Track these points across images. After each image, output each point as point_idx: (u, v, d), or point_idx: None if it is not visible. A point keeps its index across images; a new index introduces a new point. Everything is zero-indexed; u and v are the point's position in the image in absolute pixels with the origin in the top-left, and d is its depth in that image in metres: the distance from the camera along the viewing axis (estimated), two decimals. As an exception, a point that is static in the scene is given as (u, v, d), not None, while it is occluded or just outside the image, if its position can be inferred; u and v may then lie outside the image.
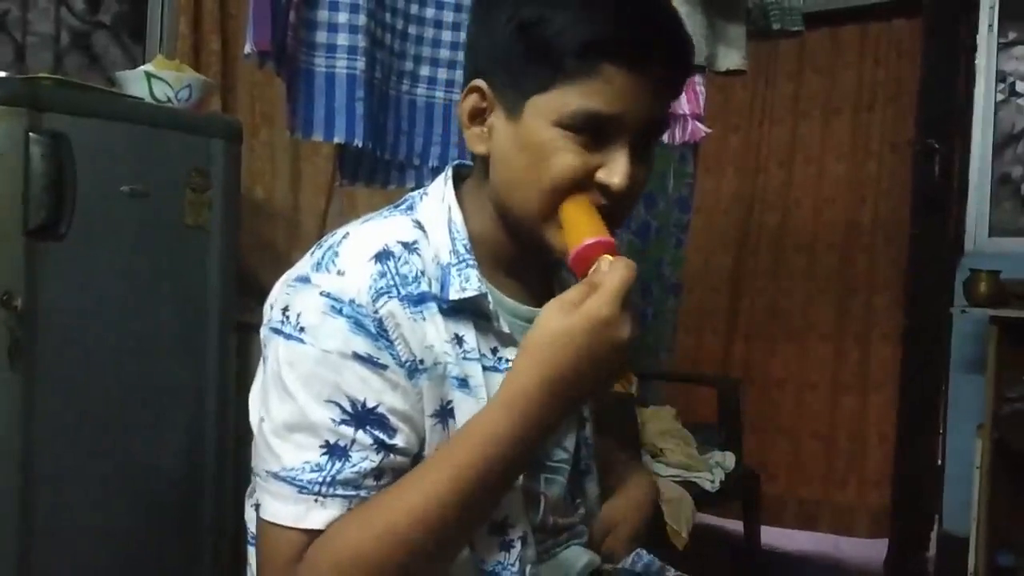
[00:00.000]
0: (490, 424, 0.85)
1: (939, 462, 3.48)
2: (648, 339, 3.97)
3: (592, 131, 0.91)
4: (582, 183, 0.92)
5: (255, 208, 2.85)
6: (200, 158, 2.11)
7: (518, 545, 0.97)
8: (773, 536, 3.85)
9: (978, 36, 3.48)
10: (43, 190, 1.81)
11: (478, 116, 0.97)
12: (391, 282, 0.90)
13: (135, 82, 2.10)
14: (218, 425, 2.16)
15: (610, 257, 0.87)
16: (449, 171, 1.03)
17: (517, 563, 0.97)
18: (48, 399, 1.84)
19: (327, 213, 2.99)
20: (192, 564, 2.14)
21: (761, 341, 4.22)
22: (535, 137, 0.92)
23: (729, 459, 3.11)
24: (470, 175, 1.04)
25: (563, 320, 0.83)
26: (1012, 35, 3.45)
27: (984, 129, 3.48)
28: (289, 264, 0.97)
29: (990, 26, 3.47)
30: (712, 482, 2.93)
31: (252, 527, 1.00)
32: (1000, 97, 3.47)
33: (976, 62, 3.48)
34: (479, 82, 0.96)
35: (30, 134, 1.80)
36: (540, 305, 1.00)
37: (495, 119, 0.96)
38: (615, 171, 0.91)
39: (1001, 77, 3.47)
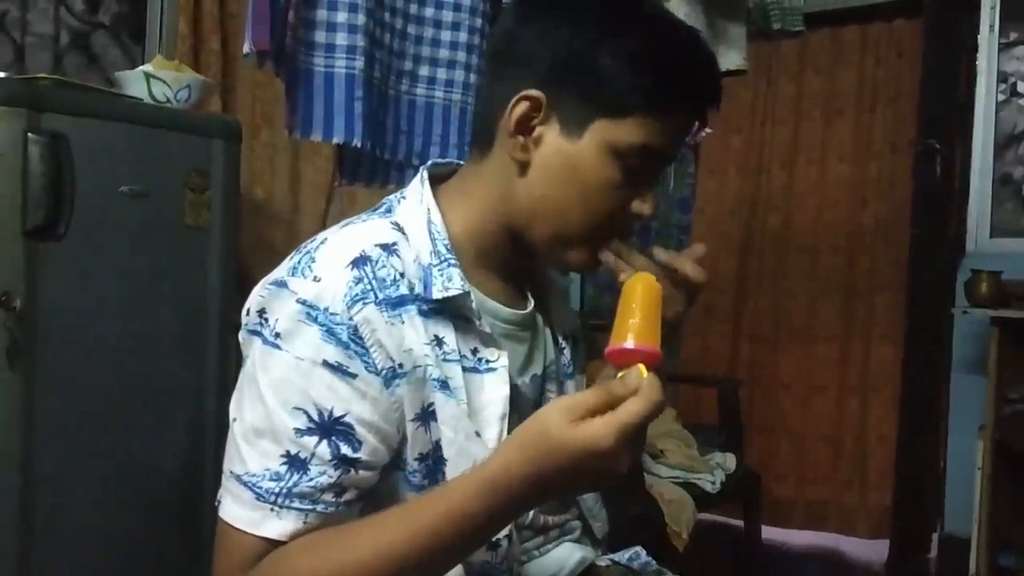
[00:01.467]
0: (462, 498, 0.82)
1: (940, 463, 3.47)
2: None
3: (643, 165, 0.94)
4: (620, 212, 0.96)
5: (255, 208, 2.85)
6: (199, 158, 2.11)
7: (504, 544, 0.97)
8: (776, 536, 3.85)
9: (979, 36, 3.47)
10: (42, 190, 1.81)
11: (525, 124, 0.95)
12: (367, 287, 0.89)
13: (134, 82, 2.09)
14: (218, 425, 2.15)
15: (644, 372, 0.80)
16: (424, 173, 1.02)
17: (504, 561, 0.97)
18: (48, 400, 1.84)
19: (327, 214, 2.98)
20: (192, 564, 2.13)
21: (765, 342, 4.21)
22: (593, 161, 0.93)
23: (730, 460, 3.10)
24: (449, 176, 1.04)
25: (565, 431, 0.78)
26: (1013, 35, 3.45)
27: (985, 129, 3.47)
28: (287, 265, 0.97)
29: (991, 26, 3.47)
30: (713, 483, 2.93)
31: None
32: (1001, 97, 3.47)
33: (977, 62, 3.48)
34: (537, 93, 0.93)
35: (29, 134, 1.79)
36: (517, 305, 1.02)
37: (547, 131, 0.95)
38: (649, 202, 0.96)
39: (1002, 77, 3.47)
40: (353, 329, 0.88)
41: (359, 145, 1.86)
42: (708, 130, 2.28)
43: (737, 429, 3.41)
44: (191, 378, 2.12)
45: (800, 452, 4.10)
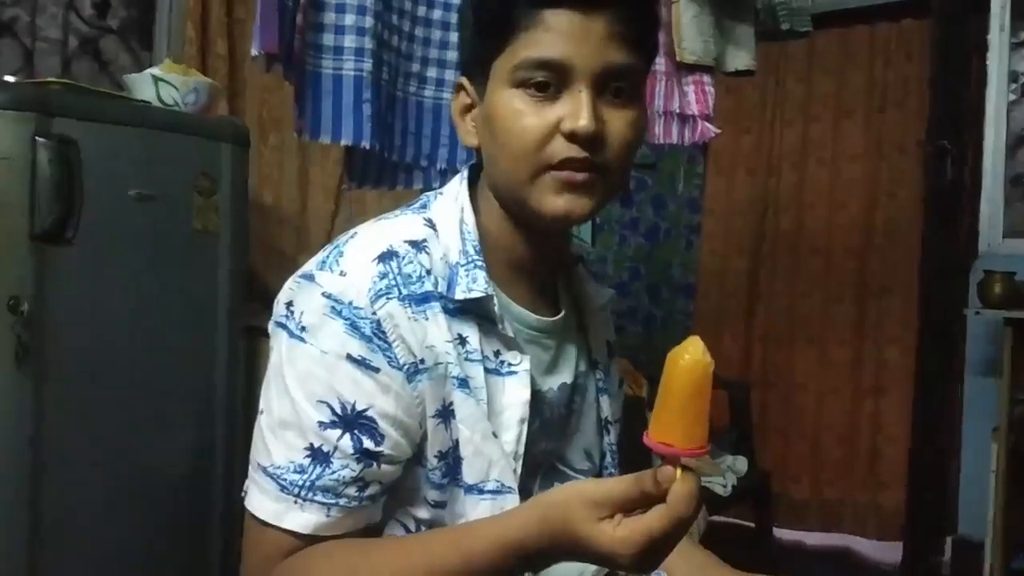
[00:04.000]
0: (479, 546, 0.83)
1: (954, 465, 3.45)
2: (659, 342, 3.96)
3: (546, 84, 0.91)
4: (550, 139, 0.91)
5: (263, 212, 2.85)
6: (208, 162, 2.11)
7: None
8: (789, 536, 3.84)
9: (989, 36, 3.46)
10: (51, 194, 1.81)
11: (467, 113, 1.00)
12: (392, 283, 0.90)
13: (143, 86, 2.10)
14: (227, 428, 2.15)
15: (678, 475, 0.75)
16: (465, 172, 1.02)
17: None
18: (56, 403, 1.84)
19: (336, 217, 2.98)
20: (201, 569, 2.13)
21: (778, 344, 4.19)
22: (498, 106, 0.93)
23: (740, 462, 3.09)
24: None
25: (589, 528, 0.77)
26: (1024, 35, 3.43)
27: (996, 130, 3.46)
28: (297, 268, 0.97)
29: (1001, 26, 3.45)
30: (724, 487, 2.91)
31: None
32: (1012, 97, 3.45)
33: (987, 63, 3.46)
34: (461, 79, 1.00)
35: (38, 138, 1.80)
36: (546, 313, 1.01)
37: (477, 109, 0.98)
38: (575, 115, 0.90)
39: (1013, 77, 3.45)
40: (376, 323, 0.88)
41: (367, 147, 1.85)
42: (716, 130, 2.29)
43: (748, 431, 3.40)
44: (199, 380, 2.12)
45: (814, 453, 4.08)
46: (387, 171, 2.08)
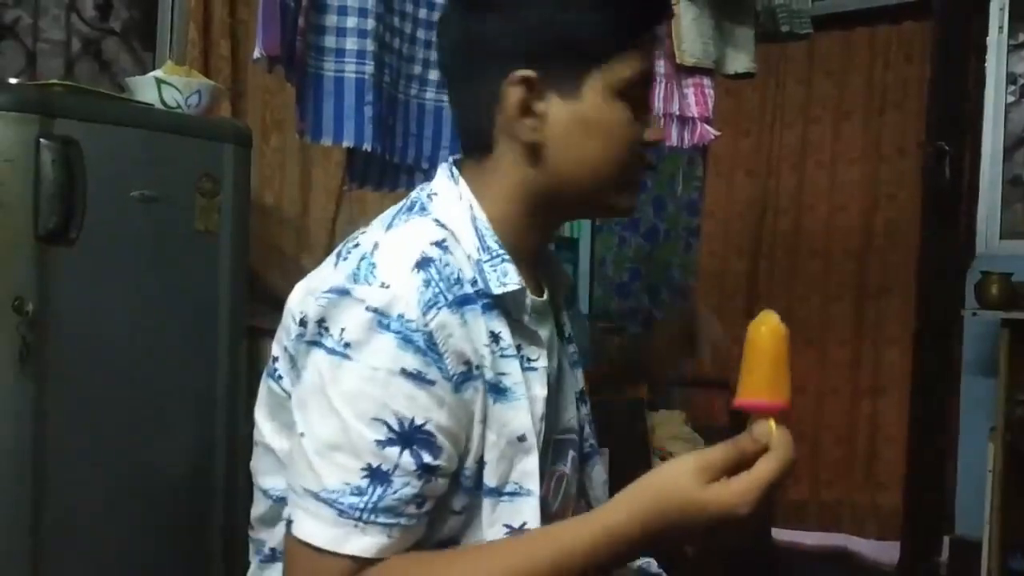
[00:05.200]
0: (573, 541, 0.82)
1: (951, 465, 3.46)
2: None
3: (641, 97, 0.98)
4: (639, 148, 0.98)
5: (265, 213, 2.86)
6: (210, 163, 2.11)
7: None
8: (788, 537, 3.85)
9: (988, 38, 3.47)
10: (54, 196, 1.82)
11: (526, 107, 0.95)
12: (437, 289, 0.88)
13: (145, 88, 2.10)
14: (228, 430, 2.15)
15: (773, 428, 0.82)
16: (451, 169, 1.01)
17: None
18: (59, 404, 1.84)
19: (337, 218, 2.99)
20: (201, 569, 2.14)
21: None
22: (603, 109, 0.95)
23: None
24: (465, 171, 1.02)
25: (703, 493, 0.79)
26: (1022, 37, 3.44)
27: (995, 131, 3.47)
28: (299, 269, 0.96)
29: (1000, 28, 3.46)
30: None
31: (271, 544, 1.00)
32: (1010, 99, 3.46)
33: (986, 64, 3.47)
34: (526, 72, 0.94)
35: (41, 140, 1.80)
36: (537, 294, 1.01)
37: (549, 106, 0.95)
38: (656, 129, 1.02)
39: (1011, 79, 3.46)
40: (428, 336, 0.85)
41: (369, 149, 1.86)
42: (716, 133, 2.30)
43: (747, 432, 3.40)
44: (201, 382, 2.13)
45: (813, 454, 4.09)
46: (388, 173, 2.08)
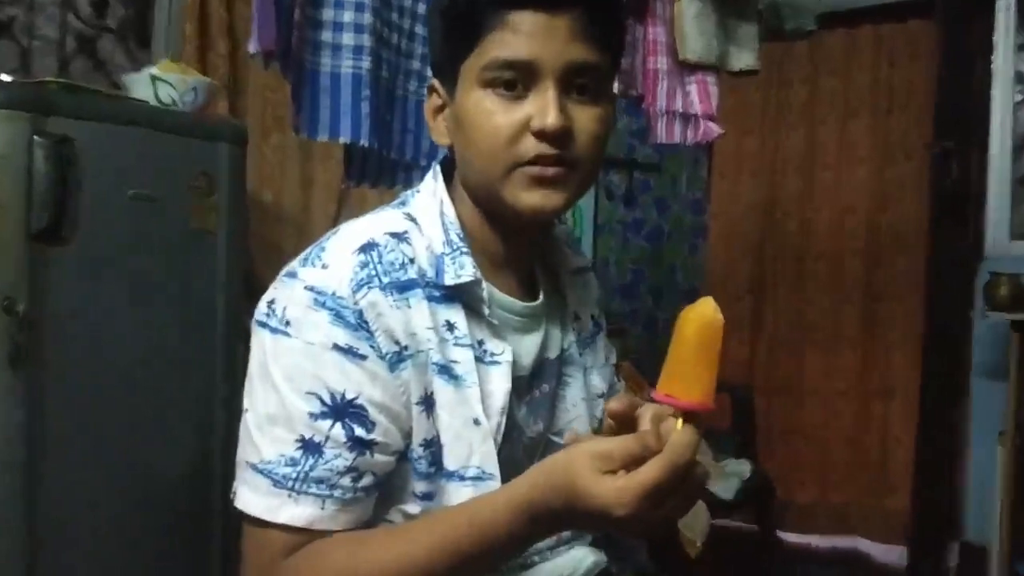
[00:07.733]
0: (486, 512, 0.83)
1: (960, 470, 3.43)
2: (663, 345, 3.93)
3: (513, 83, 0.93)
4: (520, 137, 0.93)
5: (264, 211, 2.84)
6: (205, 162, 2.09)
7: None
8: (796, 540, 3.83)
9: (995, 37, 3.43)
10: (47, 194, 1.79)
11: (439, 113, 1.02)
12: (372, 272, 0.91)
13: (140, 85, 2.08)
14: (226, 428, 2.13)
15: (678, 427, 0.75)
16: (437, 168, 1.04)
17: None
18: (52, 406, 1.82)
19: (338, 216, 2.97)
20: (201, 569, 2.12)
21: (785, 348, 4.17)
22: (469, 106, 0.95)
23: (744, 467, 3.06)
24: (451, 169, 1.06)
25: (589, 482, 0.76)
26: (1030, 36, 3.41)
27: (1002, 132, 3.44)
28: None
29: (1007, 27, 3.43)
30: (727, 491, 2.89)
31: None
32: (1018, 98, 3.43)
33: (993, 64, 3.44)
34: (433, 81, 1.02)
35: (35, 138, 1.78)
36: (526, 299, 1.04)
37: (448, 109, 1.00)
38: (543, 113, 0.92)
39: (1019, 78, 3.43)
40: (359, 313, 0.89)
41: (366, 145, 1.84)
42: (720, 130, 2.27)
43: (751, 435, 3.37)
44: (198, 382, 2.11)
45: (822, 457, 4.06)
46: (386, 169, 2.06)
